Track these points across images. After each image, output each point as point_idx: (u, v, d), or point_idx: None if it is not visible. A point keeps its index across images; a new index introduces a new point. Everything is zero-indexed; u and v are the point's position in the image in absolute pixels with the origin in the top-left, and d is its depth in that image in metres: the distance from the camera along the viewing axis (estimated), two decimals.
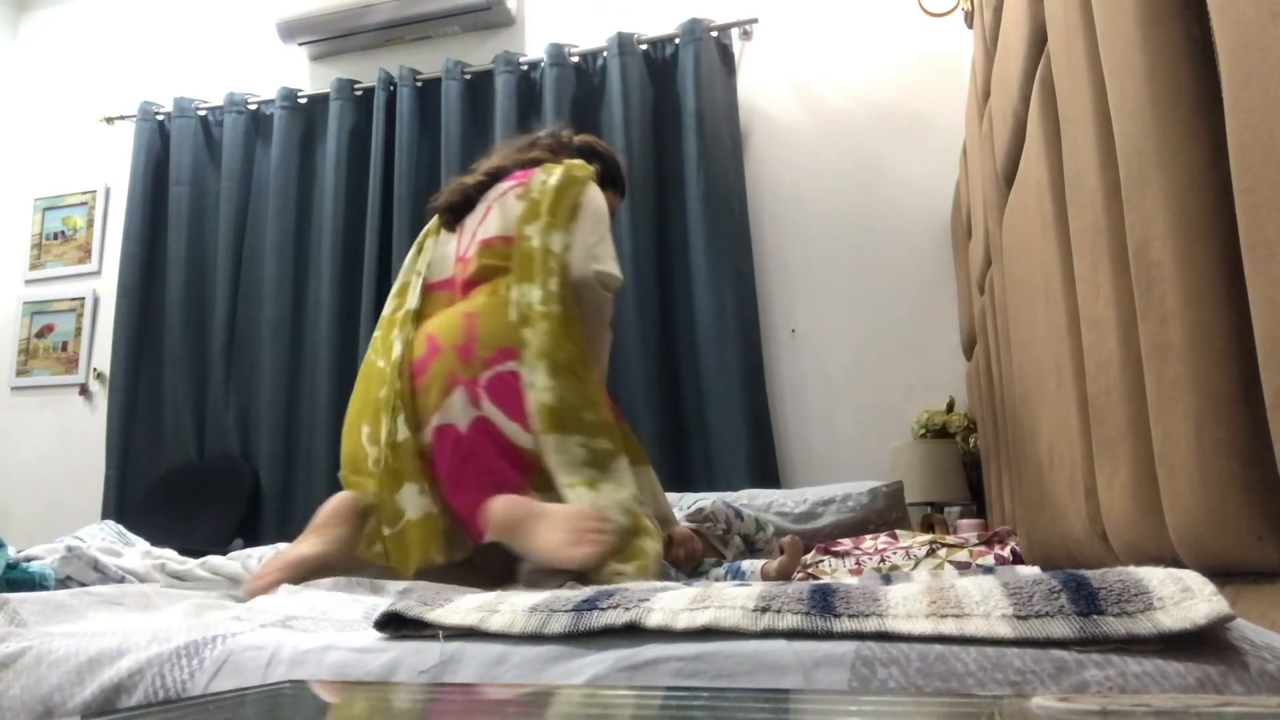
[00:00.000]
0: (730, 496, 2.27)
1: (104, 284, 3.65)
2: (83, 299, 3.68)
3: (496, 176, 1.73)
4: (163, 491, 3.23)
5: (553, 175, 1.65)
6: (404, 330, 1.59)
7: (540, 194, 1.61)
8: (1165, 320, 0.69)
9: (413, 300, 1.65)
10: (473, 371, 1.45)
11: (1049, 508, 1.21)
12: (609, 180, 1.84)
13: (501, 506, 1.33)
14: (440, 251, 1.73)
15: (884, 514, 2.28)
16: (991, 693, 0.50)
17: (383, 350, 1.62)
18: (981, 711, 0.45)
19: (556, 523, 1.27)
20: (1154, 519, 0.76)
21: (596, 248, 1.62)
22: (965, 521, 2.25)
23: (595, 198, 1.67)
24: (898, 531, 1.84)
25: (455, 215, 1.73)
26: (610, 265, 1.61)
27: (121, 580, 1.48)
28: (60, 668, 0.70)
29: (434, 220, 1.79)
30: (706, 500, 1.91)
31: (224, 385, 3.32)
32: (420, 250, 1.76)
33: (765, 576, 1.52)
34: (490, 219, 1.66)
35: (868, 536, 1.79)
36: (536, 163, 1.73)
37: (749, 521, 1.83)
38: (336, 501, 1.49)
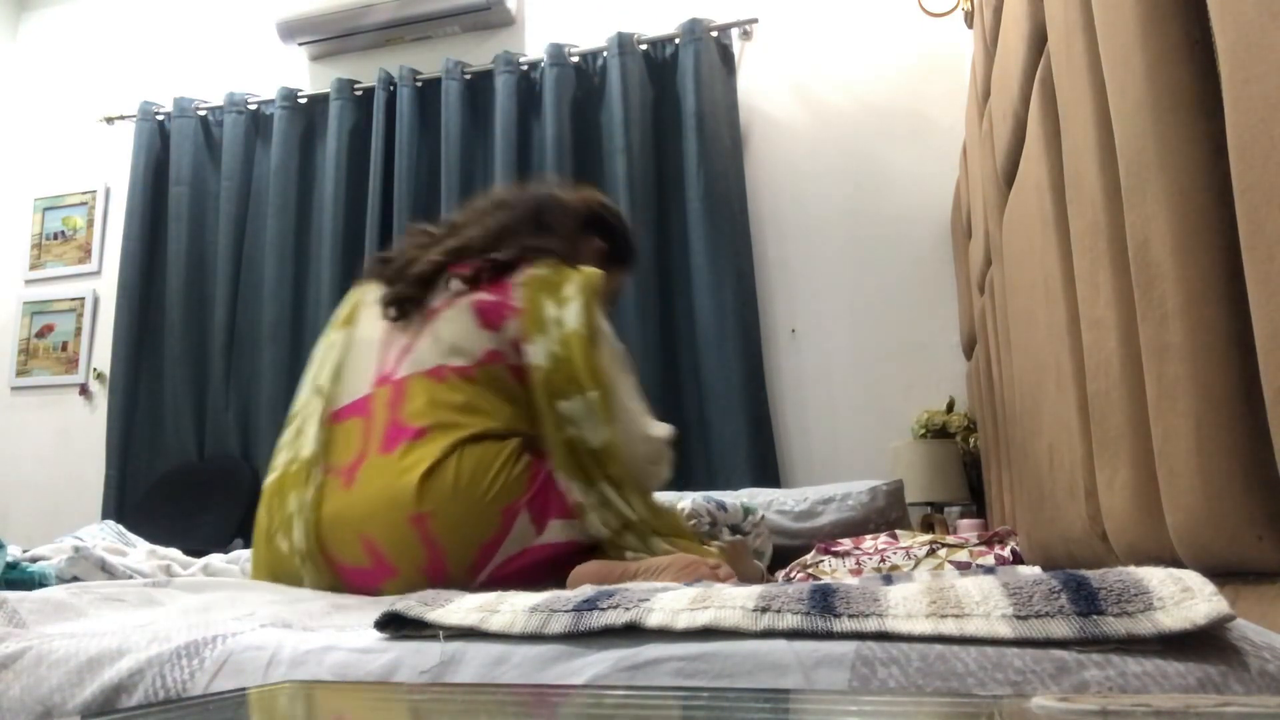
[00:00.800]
0: (730, 496, 2.27)
1: (104, 284, 3.65)
2: (83, 299, 3.68)
3: (460, 256, 1.39)
4: (163, 491, 3.23)
5: (568, 307, 1.31)
6: (302, 503, 1.24)
7: (564, 345, 1.28)
8: (1165, 320, 0.69)
9: (308, 446, 1.29)
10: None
11: (1049, 508, 1.21)
12: (618, 256, 1.60)
13: (591, 572, 1.20)
14: (356, 353, 1.35)
15: (884, 513, 2.28)
16: (991, 693, 0.50)
17: (281, 525, 1.26)
18: (981, 711, 0.45)
19: (662, 572, 1.20)
20: (1154, 519, 0.76)
21: (642, 417, 1.36)
22: (965, 521, 2.25)
23: (606, 325, 1.38)
24: (898, 531, 1.84)
25: (406, 312, 1.35)
26: (659, 432, 1.38)
27: (130, 580, 1.48)
28: (60, 668, 0.70)
29: (356, 293, 1.43)
30: (686, 500, 1.90)
31: (224, 385, 3.32)
32: (330, 347, 1.39)
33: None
34: (442, 328, 1.30)
35: (868, 536, 1.78)
36: (521, 254, 1.37)
37: (734, 511, 1.82)
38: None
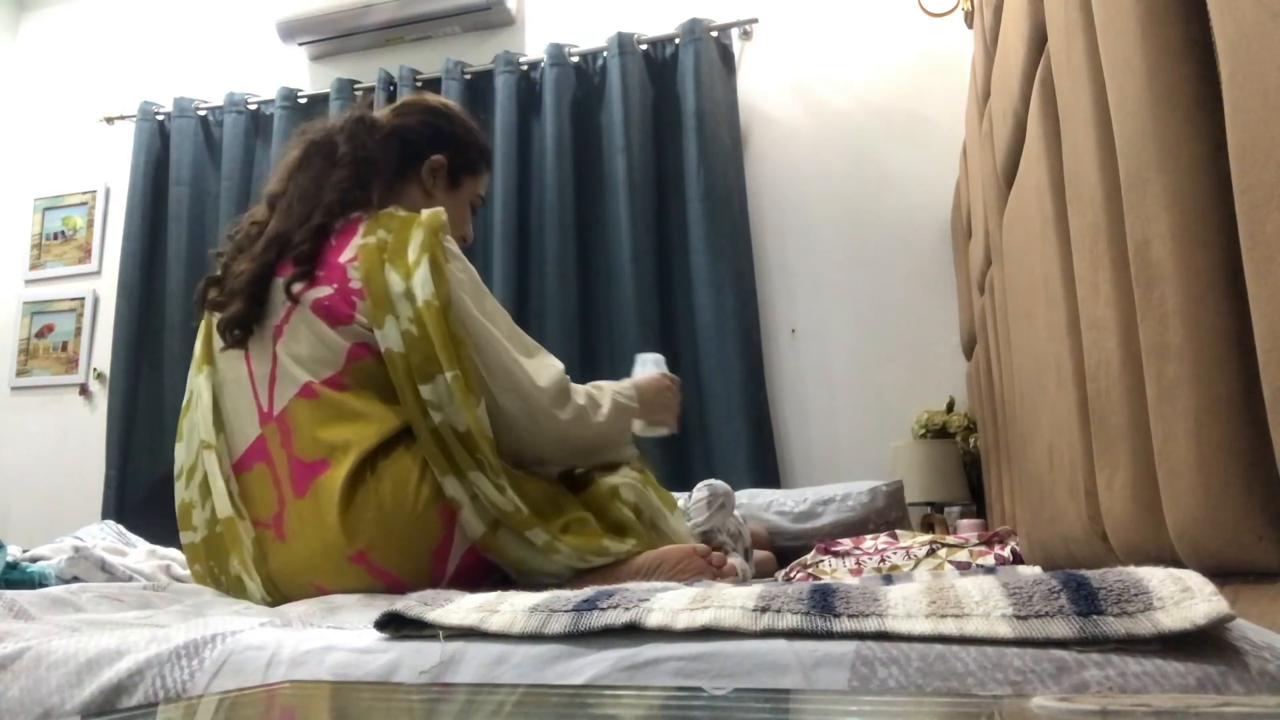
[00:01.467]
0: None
1: (104, 284, 3.65)
2: (83, 299, 3.68)
3: (278, 252, 1.24)
4: (163, 491, 3.22)
5: (415, 275, 1.16)
6: (244, 562, 1.16)
7: (418, 323, 1.14)
8: (1165, 320, 0.69)
9: (223, 506, 1.18)
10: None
11: (1049, 508, 1.21)
12: (466, 165, 1.42)
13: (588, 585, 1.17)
14: (229, 395, 1.24)
15: (884, 513, 2.28)
16: (991, 693, 0.50)
17: (232, 586, 1.18)
18: (981, 711, 0.45)
19: (656, 570, 1.17)
20: (1154, 519, 0.76)
21: (526, 368, 1.21)
22: (965, 521, 2.25)
23: (469, 277, 1.22)
24: (898, 531, 1.84)
25: (247, 330, 1.23)
26: (549, 375, 1.23)
27: (130, 580, 1.48)
28: (59, 669, 0.70)
29: (205, 328, 1.31)
30: None
31: None
32: (192, 398, 1.27)
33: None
34: (294, 345, 1.19)
35: (868, 536, 1.79)
36: (341, 213, 1.24)
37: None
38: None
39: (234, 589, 1.19)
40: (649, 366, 1.62)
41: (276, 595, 1.17)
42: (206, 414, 1.23)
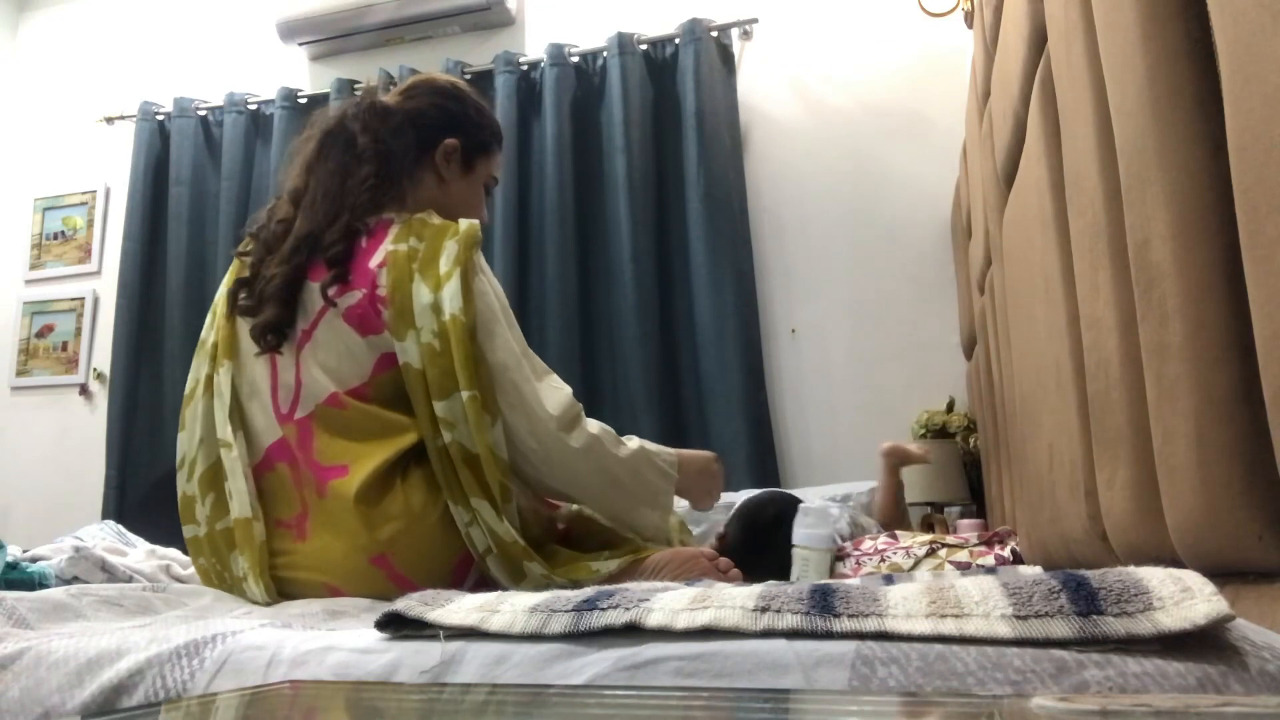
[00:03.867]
0: (731, 497, 2.27)
1: (104, 284, 3.65)
2: (83, 299, 3.68)
3: (307, 254, 1.21)
4: (163, 491, 3.22)
5: (445, 288, 1.13)
6: (252, 564, 1.13)
7: (441, 336, 1.12)
8: (1165, 320, 0.69)
9: (240, 507, 1.15)
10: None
11: (1049, 508, 1.21)
12: (479, 146, 1.38)
13: None
14: (251, 393, 1.21)
15: None
16: (991, 692, 0.50)
17: (235, 586, 1.16)
18: (981, 711, 0.45)
19: (662, 569, 1.17)
20: (1154, 519, 0.76)
21: (538, 393, 1.16)
22: (965, 521, 2.25)
23: (494, 291, 1.19)
24: (898, 531, 1.84)
25: (281, 336, 1.20)
26: (559, 400, 1.17)
27: (130, 580, 1.48)
28: (60, 669, 0.70)
29: (225, 327, 1.25)
30: None
31: None
32: (198, 390, 1.24)
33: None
34: (322, 353, 1.17)
35: (868, 536, 1.79)
36: (373, 212, 1.21)
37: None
38: None
39: (236, 589, 1.18)
40: (810, 516, 1.59)
41: (274, 600, 1.15)
42: (225, 412, 1.20)
